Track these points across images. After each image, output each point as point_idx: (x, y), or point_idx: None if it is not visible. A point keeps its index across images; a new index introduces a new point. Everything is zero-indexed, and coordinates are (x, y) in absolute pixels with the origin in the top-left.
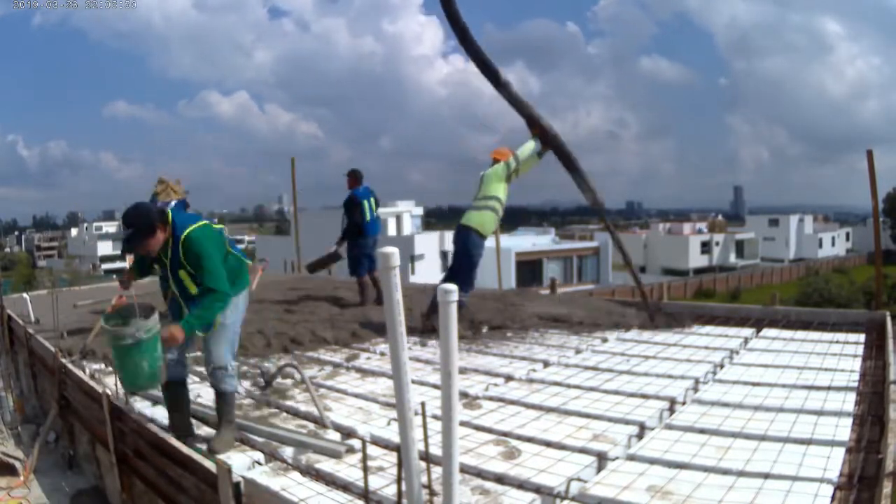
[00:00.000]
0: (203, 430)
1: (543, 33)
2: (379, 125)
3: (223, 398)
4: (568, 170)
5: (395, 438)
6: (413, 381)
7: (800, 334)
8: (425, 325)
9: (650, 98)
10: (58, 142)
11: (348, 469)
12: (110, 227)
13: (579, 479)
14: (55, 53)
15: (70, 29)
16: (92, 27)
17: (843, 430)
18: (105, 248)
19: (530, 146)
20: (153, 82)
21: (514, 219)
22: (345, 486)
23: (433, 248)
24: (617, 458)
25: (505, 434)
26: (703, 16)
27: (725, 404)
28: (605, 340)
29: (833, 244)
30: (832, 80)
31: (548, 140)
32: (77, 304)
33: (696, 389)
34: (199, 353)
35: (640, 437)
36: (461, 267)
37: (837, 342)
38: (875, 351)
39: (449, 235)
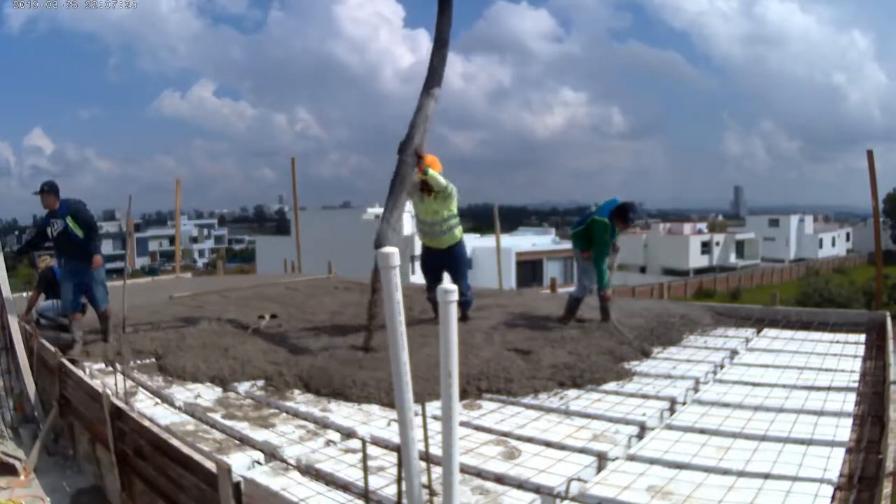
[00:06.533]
0: (201, 428)
1: (511, 19)
2: (359, 120)
3: None
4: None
5: (395, 438)
6: None
7: (800, 334)
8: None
9: (638, 91)
10: (41, 141)
11: (348, 469)
12: (111, 227)
13: (579, 479)
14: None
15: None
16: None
17: (843, 430)
18: (105, 247)
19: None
20: (115, 84)
21: (514, 219)
22: (345, 486)
23: None
24: (617, 458)
25: (505, 434)
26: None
27: (726, 404)
28: None
29: (833, 244)
30: (831, 75)
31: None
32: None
33: (696, 389)
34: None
35: (640, 437)
36: (464, 275)
37: (837, 342)
38: (875, 351)
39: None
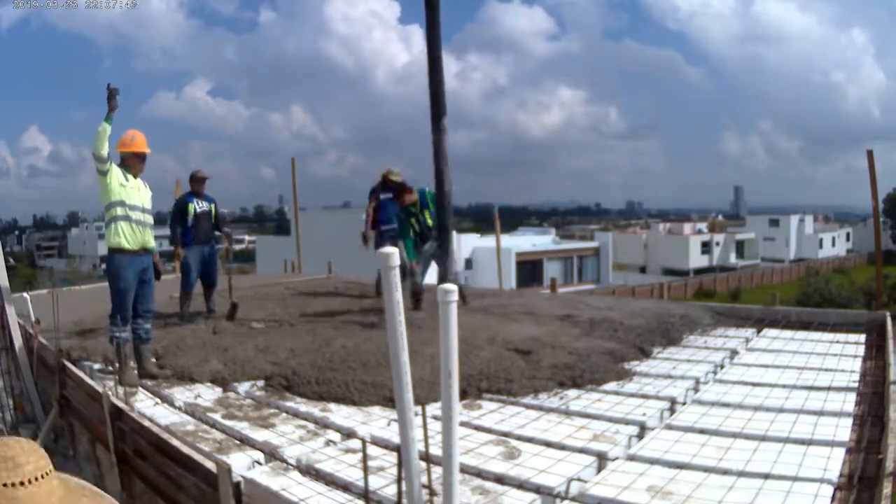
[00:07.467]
0: (201, 428)
1: (505, 17)
2: (357, 120)
3: None
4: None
5: (395, 439)
6: None
7: (800, 334)
8: None
9: (637, 90)
10: (38, 140)
11: (348, 469)
12: None
13: (579, 479)
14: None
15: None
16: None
17: (843, 430)
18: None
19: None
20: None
21: (514, 219)
22: (345, 486)
23: None
24: (617, 458)
25: (505, 434)
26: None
27: (726, 404)
28: None
29: (833, 244)
30: (830, 74)
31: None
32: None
33: (696, 389)
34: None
35: (640, 437)
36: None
37: (837, 342)
38: (875, 351)
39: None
